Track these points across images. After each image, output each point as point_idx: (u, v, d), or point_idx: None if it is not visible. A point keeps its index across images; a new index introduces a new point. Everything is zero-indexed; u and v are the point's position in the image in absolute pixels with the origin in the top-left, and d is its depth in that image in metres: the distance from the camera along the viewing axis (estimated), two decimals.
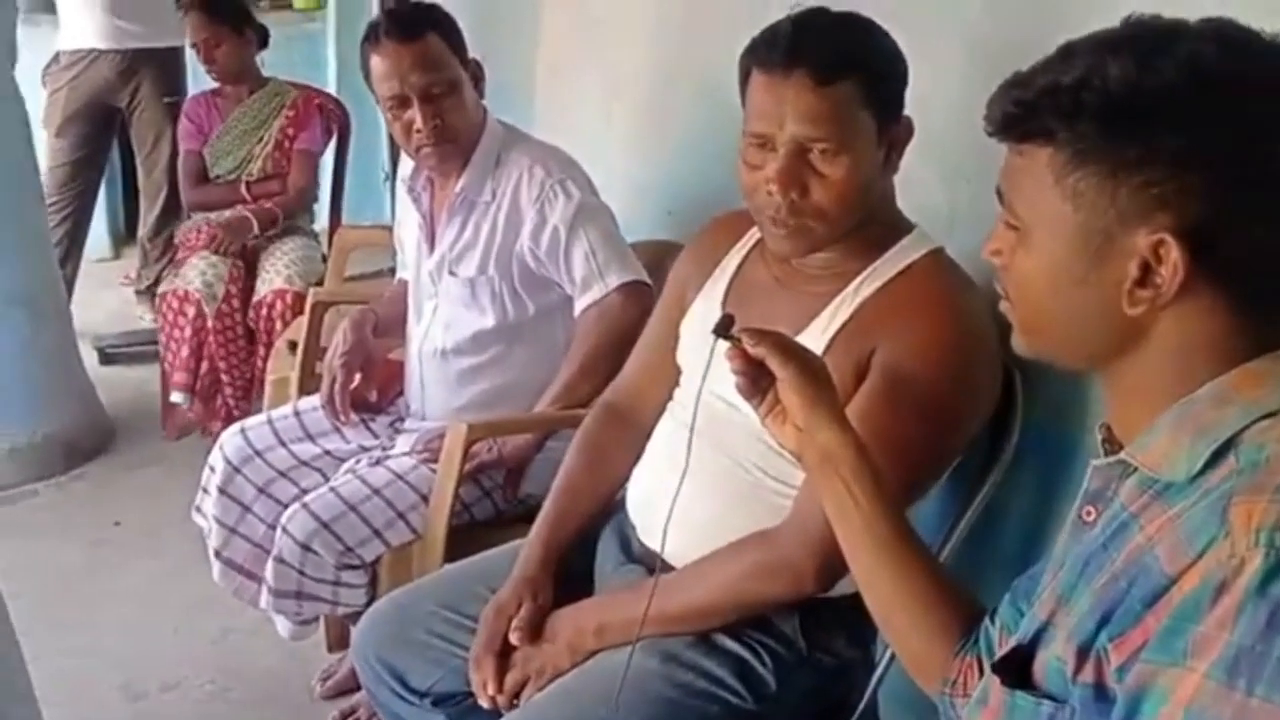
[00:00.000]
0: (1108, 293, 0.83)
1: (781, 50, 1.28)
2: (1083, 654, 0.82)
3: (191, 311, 3.13)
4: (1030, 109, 0.83)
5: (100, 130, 4.01)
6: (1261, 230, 0.79)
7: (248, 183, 3.37)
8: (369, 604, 1.78)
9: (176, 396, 3.21)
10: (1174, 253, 0.79)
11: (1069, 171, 0.82)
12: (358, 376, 2.15)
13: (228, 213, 3.31)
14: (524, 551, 1.56)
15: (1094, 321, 0.85)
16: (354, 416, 2.15)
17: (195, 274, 3.16)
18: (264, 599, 1.99)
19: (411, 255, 2.18)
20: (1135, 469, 0.85)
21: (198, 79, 4.07)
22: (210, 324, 3.14)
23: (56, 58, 3.93)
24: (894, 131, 1.35)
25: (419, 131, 1.94)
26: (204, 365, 3.18)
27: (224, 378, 3.19)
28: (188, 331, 3.14)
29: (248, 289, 3.23)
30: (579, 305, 2.01)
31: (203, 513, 2.16)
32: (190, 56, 3.99)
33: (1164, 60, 0.79)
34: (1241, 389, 0.81)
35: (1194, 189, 0.78)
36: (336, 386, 2.10)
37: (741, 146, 1.35)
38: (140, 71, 3.91)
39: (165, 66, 3.94)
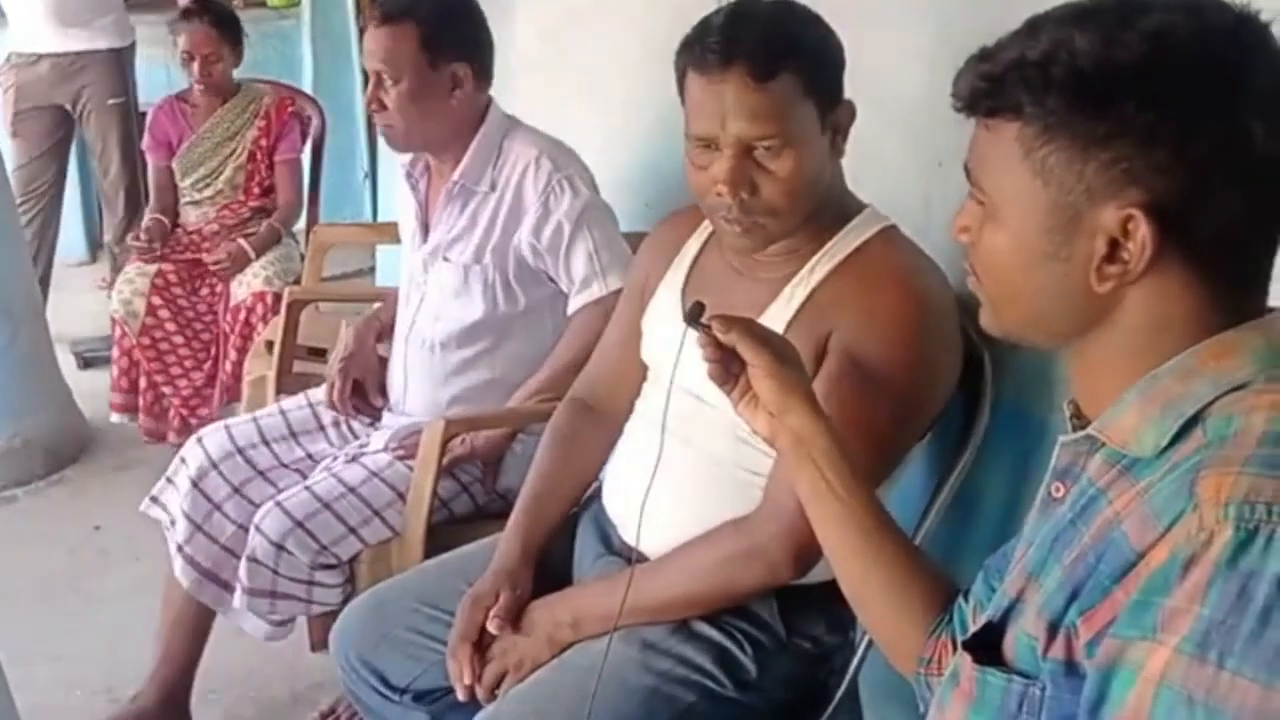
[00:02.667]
0: (1076, 269, 0.82)
1: (716, 49, 1.25)
2: (1053, 630, 0.81)
3: (117, 333, 3.16)
4: (997, 83, 0.82)
5: (53, 127, 3.95)
6: (1230, 206, 0.79)
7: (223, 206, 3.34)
8: (345, 603, 1.77)
9: (114, 418, 3.23)
10: (1142, 228, 0.78)
11: (1037, 146, 0.81)
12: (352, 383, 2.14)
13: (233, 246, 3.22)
14: (501, 544, 1.55)
15: (1062, 298, 0.84)
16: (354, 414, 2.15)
17: (115, 293, 3.18)
18: (237, 599, 1.95)
19: (407, 243, 2.16)
20: (1103, 444, 0.85)
21: (150, 81, 4.04)
22: (136, 340, 3.13)
23: (8, 58, 3.90)
24: (836, 117, 1.33)
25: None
26: (142, 382, 3.18)
27: (165, 390, 3.17)
28: (115, 353, 3.17)
29: (194, 292, 3.22)
30: (575, 302, 1.99)
31: (160, 504, 2.11)
32: (139, 57, 3.97)
33: (1131, 33, 0.78)
34: (1209, 362, 0.80)
35: (1163, 164, 0.77)
36: (334, 394, 2.11)
37: (686, 148, 1.33)
38: (82, 74, 3.86)
39: (109, 69, 3.88)
